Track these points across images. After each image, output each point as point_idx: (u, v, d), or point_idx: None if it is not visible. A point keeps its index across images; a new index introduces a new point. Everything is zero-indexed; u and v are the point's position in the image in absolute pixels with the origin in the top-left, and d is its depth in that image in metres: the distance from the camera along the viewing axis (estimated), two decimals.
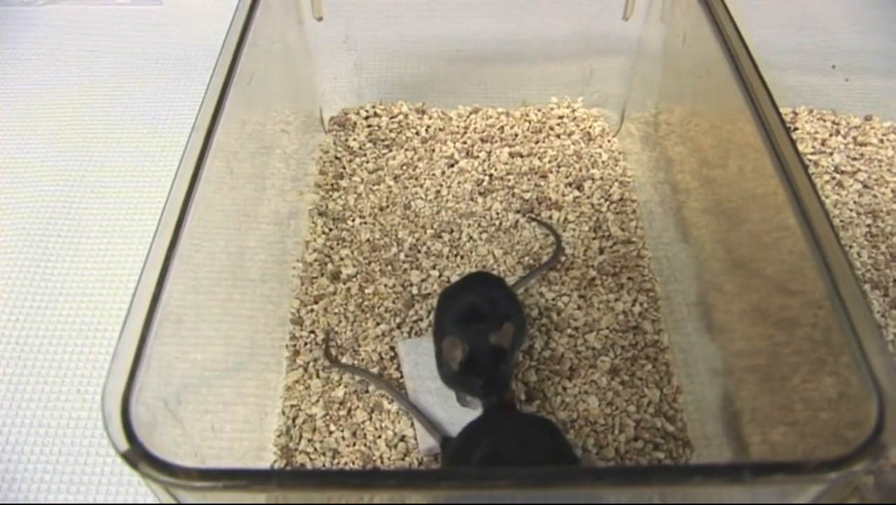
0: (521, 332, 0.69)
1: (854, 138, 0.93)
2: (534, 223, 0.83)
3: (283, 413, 0.69)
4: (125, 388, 0.40)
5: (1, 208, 0.86)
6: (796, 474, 0.37)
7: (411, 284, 0.78)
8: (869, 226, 0.83)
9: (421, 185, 0.88)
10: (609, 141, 0.94)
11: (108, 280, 0.80)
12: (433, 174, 0.89)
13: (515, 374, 0.70)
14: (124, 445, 0.38)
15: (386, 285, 0.78)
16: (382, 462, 0.66)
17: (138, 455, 0.37)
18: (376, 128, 0.95)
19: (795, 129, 0.94)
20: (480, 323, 0.65)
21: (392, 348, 0.73)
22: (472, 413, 0.65)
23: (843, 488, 0.60)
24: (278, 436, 0.67)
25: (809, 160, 0.90)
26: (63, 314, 0.77)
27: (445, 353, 0.63)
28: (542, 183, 0.88)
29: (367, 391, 0.70)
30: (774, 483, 0.37)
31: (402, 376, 0.70)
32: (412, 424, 0.67)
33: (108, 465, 0.66)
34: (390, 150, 0.92)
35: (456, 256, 0.81)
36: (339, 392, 0.69)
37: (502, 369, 0.63)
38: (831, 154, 0.91)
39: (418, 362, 0.70)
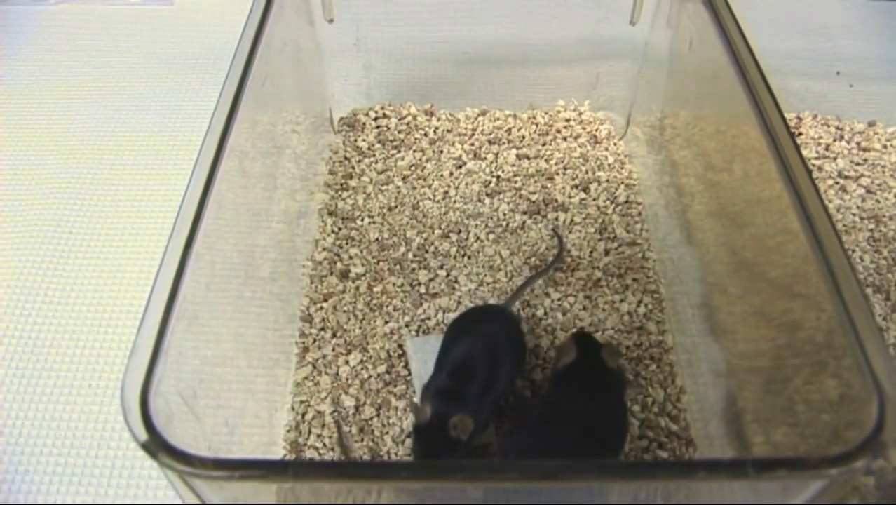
0: (516, 368, 0.68)
1: (857, 144, 0.94)
2: (540, 224, 0.84)
3: (293, 409, 0.70)
4: (144, 381, 0.41)
5: (13, 206, 0.87)
6: (798, 470, 0.38)
7: (419, 284, 0.79)
8: (871, 230, 0.84)
9: (429, 186, 0.89)
10: (615, 144, 0.95)
11: (118, 277, 0.81)
12: (441, 175, 0.90)
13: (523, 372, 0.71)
14: (144, 435, 0.39)
15: (394, 284, 0.79)
16: (389, 458, 0.66)
17: (157, 445, 0.39)
18: (385, 129, 0.96)
19: (800, 134, 0.95)
20: (457, 395, 0.62)
21: (400, 346, 0.74)
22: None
23: (844, 487, 0.61)
24: (288, 431, 0.68)
25: (813, 165, 0.91)
26: (74, 310, 0.78)
27: (413, 410, 0.62)
28: (549, 185, 0.89)
29: (374, 389, 0.71)
30: (776, 479, 0.38)
31: (409, 374, 0.71)
32: None
33: (119, 458, 0.67)
34: (399, 151, 0.93)
35: (463, 256, 0.82)
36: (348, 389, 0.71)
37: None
38: (835, 159, 0.92)
39: (426, 361, 0.70)
